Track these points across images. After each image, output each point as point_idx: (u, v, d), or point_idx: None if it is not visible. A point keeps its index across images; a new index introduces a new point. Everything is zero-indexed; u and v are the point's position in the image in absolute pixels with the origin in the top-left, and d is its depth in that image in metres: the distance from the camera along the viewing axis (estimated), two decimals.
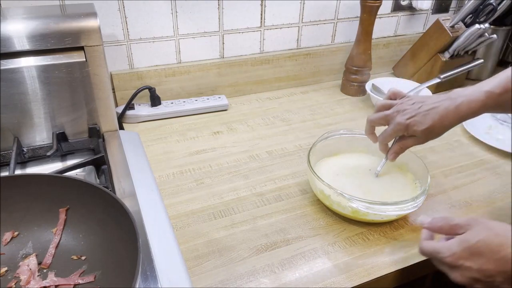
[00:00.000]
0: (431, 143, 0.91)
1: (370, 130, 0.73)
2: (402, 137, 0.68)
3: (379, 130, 0.71)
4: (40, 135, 0.80)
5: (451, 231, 0.53)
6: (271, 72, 1.13)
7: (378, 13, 1.05)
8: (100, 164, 0.77)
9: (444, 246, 0.51)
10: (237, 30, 1.05)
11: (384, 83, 1.10)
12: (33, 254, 0.57)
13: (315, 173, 0.68)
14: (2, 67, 0.71)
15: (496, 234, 0.47)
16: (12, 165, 0.71)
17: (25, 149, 0.79)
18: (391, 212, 0.64)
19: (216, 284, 0.58)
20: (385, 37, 1.26)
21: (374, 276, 0.59)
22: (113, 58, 0.96)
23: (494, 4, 1.06)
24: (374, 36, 1.10)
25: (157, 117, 0.99)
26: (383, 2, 1.03)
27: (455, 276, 0.50)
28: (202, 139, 0.93)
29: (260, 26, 1.07)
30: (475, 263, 0.47)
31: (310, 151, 0.73)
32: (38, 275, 0.54)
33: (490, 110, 0.62)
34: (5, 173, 0.74)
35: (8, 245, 0.58)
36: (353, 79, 1.13)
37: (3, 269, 0.55)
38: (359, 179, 0.74)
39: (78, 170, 0.76)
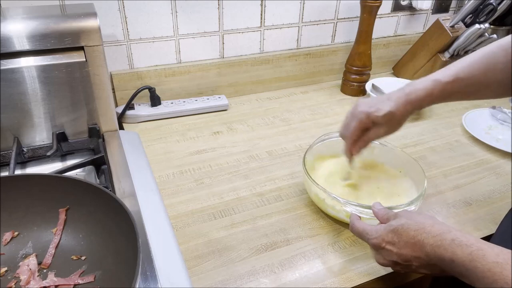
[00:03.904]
0: (431, 143, 0.93)
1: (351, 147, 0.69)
2: (364, 133, 0.67)
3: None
4: (40, 135, 0.80)
5: (385, 220, 0.56)
6: (271, 72, 1.13)
7: (378, 13, 1.05)
8: (100, 164, 0.77)
9: (372, 229, 0.55)
10: (237, 30, 1.05)
11: (384, 83, 1.10)
12: (33, 254, 0.57)
13: (310, 177, 0.67)
14: (2, 67, 0.71)
15: (415, 221, 0.50)
16: (12, 165, 0.71)
17: (25, 149, 0.79)
18: None
19: (216, 284, 0.58)
20: (385, 37, 1.26)
21: (374, 276, 0.59)
22: (113, 58, 0.96)
23: (494, 4, 1.06)
24: (374, 36, 1.10)
25: (157, 117, 0.99)
26: (383, 2, 1.03)
27: (378, 258, 0.55)
28: (202, 139, 0.93)
29: (260, 26, 1.07)
30: (395, 247, 0.51)
31: (306, 153, 0.73)
32: (38, 275, 0.54)
33: (439, 99, 0.63)
34: (5, 173, 0.74)
35: (8, 245, 0.58)
36: (353, 79, 1.13)
37: (3, 269, 0.55)
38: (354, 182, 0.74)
39: (78, 170, 0.76)
